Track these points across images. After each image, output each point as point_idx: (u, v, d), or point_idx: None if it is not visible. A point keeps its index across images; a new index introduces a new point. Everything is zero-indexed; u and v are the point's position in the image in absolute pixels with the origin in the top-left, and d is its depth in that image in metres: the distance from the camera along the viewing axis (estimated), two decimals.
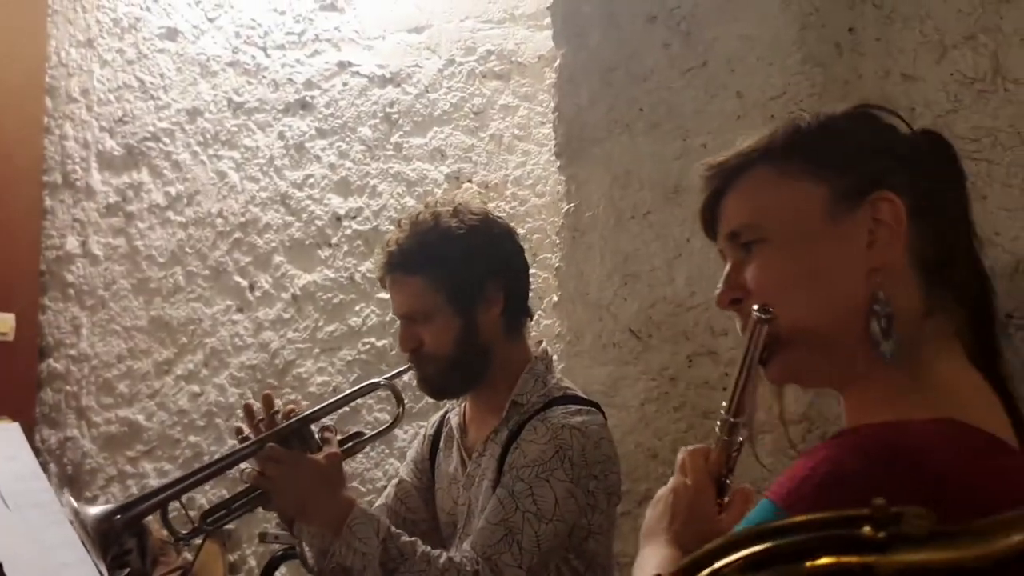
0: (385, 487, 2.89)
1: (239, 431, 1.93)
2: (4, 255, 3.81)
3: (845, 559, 0.49)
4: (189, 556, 3.42)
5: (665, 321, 2.48)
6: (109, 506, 1.76)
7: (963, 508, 0.81)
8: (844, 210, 1.02)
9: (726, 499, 1.21)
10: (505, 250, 2.00)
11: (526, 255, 2.08)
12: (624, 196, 2.56)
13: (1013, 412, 1.01)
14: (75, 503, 1.75)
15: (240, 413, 3.36)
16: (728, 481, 1.20)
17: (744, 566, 0.49)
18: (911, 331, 0.99)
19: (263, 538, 2.88)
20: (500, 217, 2.04)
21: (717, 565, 0.50)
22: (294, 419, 1.89)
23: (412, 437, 3.09)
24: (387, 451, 3.16)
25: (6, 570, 1.10)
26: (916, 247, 1.01)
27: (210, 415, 3.58)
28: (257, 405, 1.93)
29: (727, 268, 1.11)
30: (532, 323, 2.16)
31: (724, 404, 1.15)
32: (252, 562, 3.40)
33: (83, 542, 1.75)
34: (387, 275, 1.98)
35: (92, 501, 3.75)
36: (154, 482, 3.66)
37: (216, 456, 1.91)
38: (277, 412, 1.90)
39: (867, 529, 0.49)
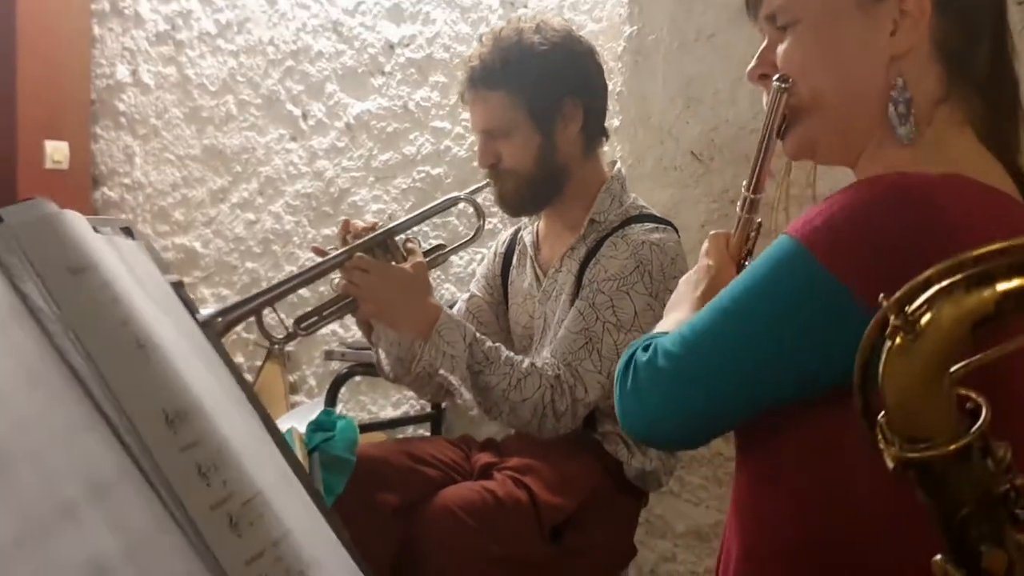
0: None
1: (320, 251, 1.97)
2: (54, 84, 3.84)
3: None
4: (249, 377, 3.56)
5: (727, 144, 2.51)
6: (210, 310, 1.83)
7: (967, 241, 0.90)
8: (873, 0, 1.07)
9: None
10: (586, 68, 2.02)
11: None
12: (688, 18, 2.55)
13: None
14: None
15: (296, 239, 3.44)
16: (746, 263, 1.28)
17: (968, 284, 0.54)
18: (924, 114, 1.06)
19: (329, 355, 3.00)
20: (581, 36, 2.05)
21: (941, 285, 0.55)
22: (379, 232, 1.94)
23: (467, 263, 3.17)
24: (443, 276, 3.24)
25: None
26: (940, 36, 1.06)
27: (266, 242, 3.66)
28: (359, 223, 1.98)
29: (762, 46, 1.18)
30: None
31: (744, 182, 1.23)
32: (312, 381, 3.52)
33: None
34: (468, 90, 2.00)
35: None
36: (212, 308, 3.76)
37: (308, 265, 1.96)
38: (369, 228, 1.95)
39: None
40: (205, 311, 1.83)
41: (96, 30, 3.98)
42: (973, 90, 1.08)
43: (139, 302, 0.66)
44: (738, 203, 1.27)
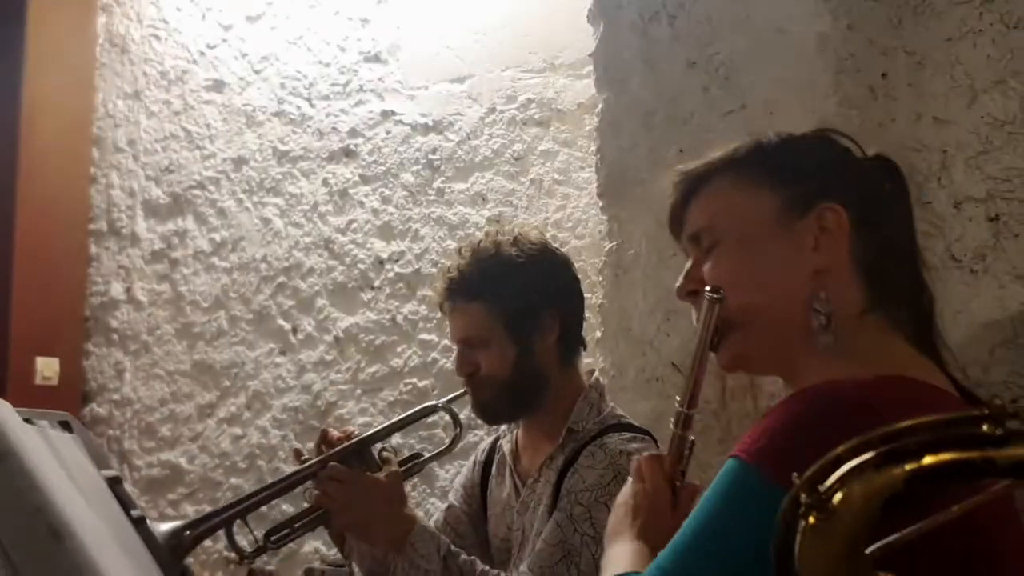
0: None
1: (298, 453, 1.97)
2: (50, 301, 3.91)
3: (967, 454, 0.53)
4: None
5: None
6: (178, 523, 1.80)
7: None
8: (794, 217, 1.13)
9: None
10: (562, 280, 2.06)
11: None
12: (666, 234, 2.58)
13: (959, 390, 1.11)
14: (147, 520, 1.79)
15: (281, 454, 3.42)
16: (679, 484, 1.26)
17: (877, 463, 0.54)
18: (850, 325, 1.09)
19: (309, 573, 2.91)
20: (558, 248, 2.10)
21: (852, 464, 0.55)
22: (353, 440, 1.93)
23: (453, 476, 3.13)
24: (428, 490, 3.20)
25: None
26: (859, 252, 1.12)
27: (252, 457, 3.63)
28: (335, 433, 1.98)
29: (688, 264, 1.24)
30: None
31: (678, 397, 1.24)
32: None
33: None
34: (446, 301, 2.03)
35: None
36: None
37: (280, 476, 1.94)
38: (344, 438, 1.95)
39: (986, 427, 0.53)
40: (173, 524, 1.79)
41: (93, 249, 4.09)
42: (898, 301, 1.12)
43: (62, 492, 0.65)
44: (671, 419, 1.26)
